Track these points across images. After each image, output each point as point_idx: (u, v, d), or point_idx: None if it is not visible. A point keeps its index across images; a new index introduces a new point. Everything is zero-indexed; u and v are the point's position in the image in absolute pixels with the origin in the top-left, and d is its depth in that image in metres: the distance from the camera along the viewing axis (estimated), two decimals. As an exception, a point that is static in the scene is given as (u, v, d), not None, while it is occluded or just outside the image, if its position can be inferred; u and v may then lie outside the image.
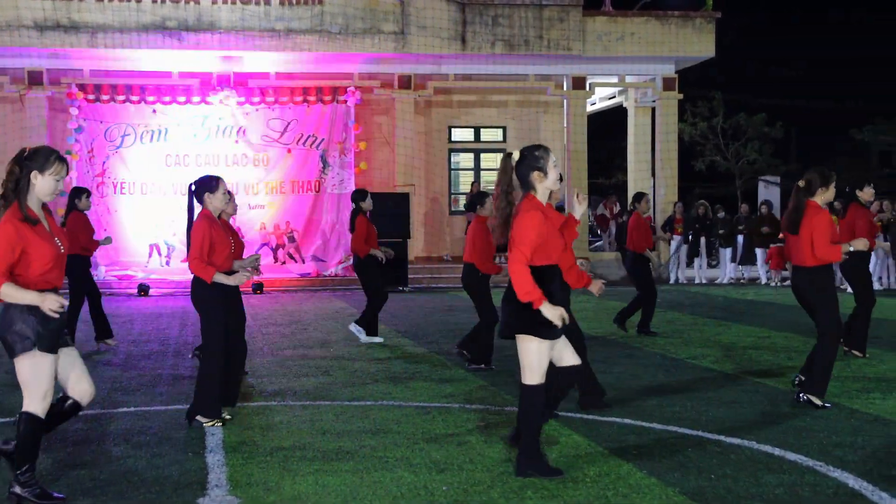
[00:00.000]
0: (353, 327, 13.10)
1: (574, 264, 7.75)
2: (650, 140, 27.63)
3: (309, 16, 23.71)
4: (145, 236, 23.40)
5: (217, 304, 7.95)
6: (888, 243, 11.84)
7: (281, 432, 7.68)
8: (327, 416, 8.26)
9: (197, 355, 10.35)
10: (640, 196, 14.34)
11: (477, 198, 11.23)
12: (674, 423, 7.87)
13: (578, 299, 17.47)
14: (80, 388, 5.97)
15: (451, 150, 27.22)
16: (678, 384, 9.74)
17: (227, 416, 8.05)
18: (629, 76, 26.81)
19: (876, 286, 14.61)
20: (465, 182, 27.05)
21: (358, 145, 24.40)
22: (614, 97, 29.20)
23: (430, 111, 26.64)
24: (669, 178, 26.44)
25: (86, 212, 12.68)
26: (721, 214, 25.10)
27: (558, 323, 6.08)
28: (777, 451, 6.92)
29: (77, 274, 12.36)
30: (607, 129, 37.67)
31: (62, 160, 5.87)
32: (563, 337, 6.39)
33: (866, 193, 11.14)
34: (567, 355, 6.43)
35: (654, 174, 27.32)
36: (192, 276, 8.05)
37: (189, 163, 23.68)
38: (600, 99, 29.50)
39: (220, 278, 7.87)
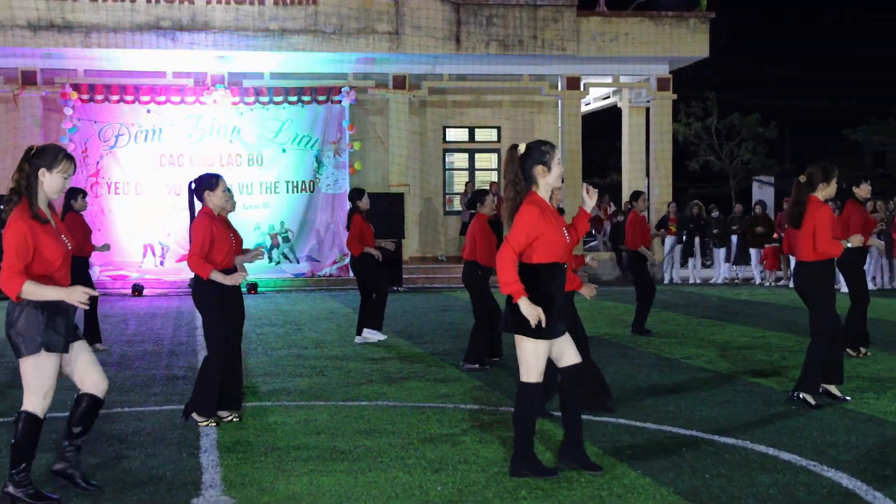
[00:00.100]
0: (366, 333, 13.03)
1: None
2: (644, 140, 27.67)
3: (303, 16, 23.70)
4: (139, 236, 23.37)
5: (216, 302, 7.94)
6: (882, 242, 11.84)
7: (275, 432, 7.67)
8: (322, 417, 8.25)
9: None
10: (637, 195, 14.37)
11: (477, 196, 11.25)
12: (668, 423, 7.88)
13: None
14: (91, 380, 5.95)
15: (445, 150, 27.24)
16: (672, 384, 9.75)
17: (236, 419, 8.02)
18: (623, 76, 26.83)
19: (870, 286, 14.66)
20: (459, 182, 27.06)
21: (352, 145, 24.39)
22: (609, 97, 29.23)
23: (424, 111, 26.65)
24: (664, 178, 26.47)
25: (82, 212, 12.65)
26: (715, 214, 25.13)
27: (533, 322, 6.04)
28: (771, 451, 6.93)
29: (76, 275, 12.32)
30: (602, 130, 37.72)
31: (70, 158, 5.87)
32: (565, 336, 6.35)
33: (863, 190, 11.13)
34: (568, 355, 6.36)
35: (648, 174, 27.35)
36: (190, 276, 8.05)
37: (183, 163, 23.65)
38: (595, 99, 29.53)
39: (218, 277, 7.86)
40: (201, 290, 7.97)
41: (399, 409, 8.57)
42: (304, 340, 13.45)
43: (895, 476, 6.28)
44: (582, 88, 26.41)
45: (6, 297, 5.66)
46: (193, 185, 8.23)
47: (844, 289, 10.26)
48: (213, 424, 7.83)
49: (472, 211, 11.35)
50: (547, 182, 6.29)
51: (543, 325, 6.06)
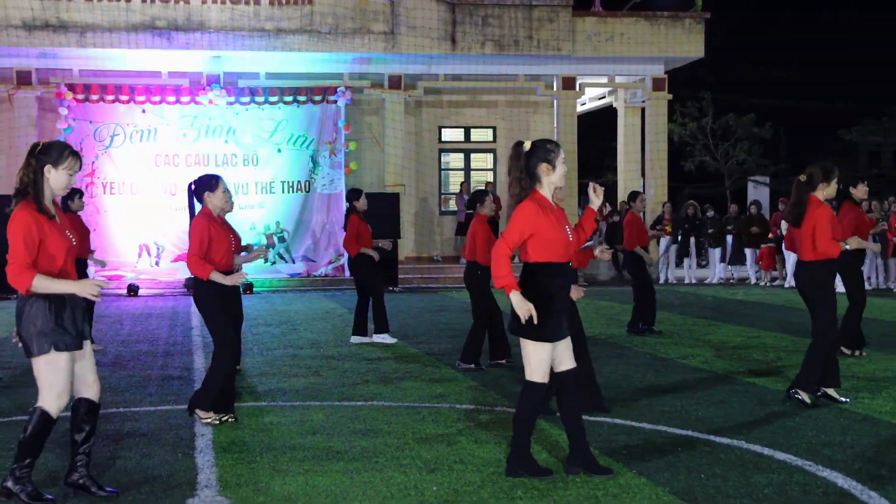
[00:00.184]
0: (377, 338, 13.04)
1: None
2: (640, 140, 27.70)
3: (298, 16, 23.70)
4: (135, 236, 23.34)
5: (217, 302, 7.93)
6: (878, 245, 11.85)
7: (271, 433, 7.67)
8: (317, 417, 8.25)
9: None
10: (634, 195, 14.38)
11: (477, 196, 11.25)
12: (663, 423, 7.88)
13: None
14: (87, 384, 5.96)
15: (441, 151, 27.24)
16: (668, 384, 9.75)
17: (232, 419, 8.01)
18: (619, 76, 26.86)
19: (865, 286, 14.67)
20: (455, 182, 27.06)
21: (348, 145, 24.39)
22: (604, 97, 29.25)
23: (420, 111, 26.64)
24: (659, 178, 26.49)
25: (79, 212, 12.64)
26: (710, 214, 25.15)
27: (523, 318, 6.02)
28: (766, 451, 6.93)
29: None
30: (597, 130, 37.74)
31: (75, 154, 5.87)
32: (565, 340, 6.32)
33: (860, 191, 11.12)
34: (566, 360, 6.33)
35: (643, 174, 27.38)
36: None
37: (179, 163, 23.65)
38: (590, 99, 29.55)
39: (217, 277, 7.85)
40: (201, 290, 7.97)
41: (395, 410, 8.57)
42: (299, 340, 13.45)
43: (890, 476, 6.29)
44: (577, 88, 26.43)
45: (6, 293, 5.66)
46: (193, 187, 8.23)
47: (841, 288, 10.26)
48: (216, 422, 7.82)
49: (471, 211, 11.35)
50: (550, 180, 6.28)
51: (535, 321, 6.04)
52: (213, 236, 7.91)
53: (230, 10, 23.45)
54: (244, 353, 11.91)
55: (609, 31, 25.30)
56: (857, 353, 11.32)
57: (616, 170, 29.31)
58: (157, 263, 23.30)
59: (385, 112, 25.43)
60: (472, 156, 27.48)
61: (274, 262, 23.82)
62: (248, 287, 21.41)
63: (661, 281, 23.99)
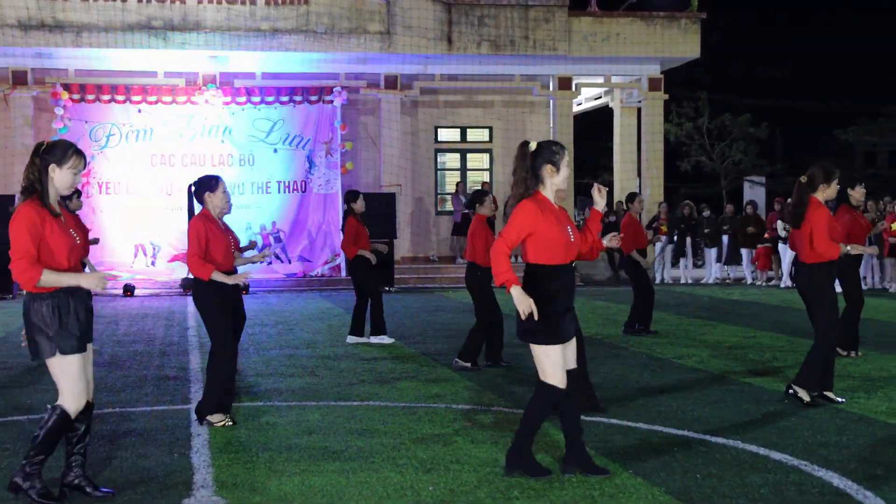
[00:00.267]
0: (374, 339, 13.04)
1: None
2: (636, 140, 27.71)
3: (294, 15, 23.69)
4: (130, 237, 23.33)
5: (217, 304, 7.92)
6: (876, 247, 11.91)
7: (267, 433, 7.66)
8: (313, 417, 8.25)
9: None
10: (632, 196, 14.36)
11: (476, 196, 11.24)
12: (659, 423, 7.89)
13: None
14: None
15: (437, 151, 27.23)
16: (664, 384, 9.76)
17: (228, 423, 7.99)
18: (615, 76, 26.87)
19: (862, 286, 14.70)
20: (451, 182, 27.05)
21: (344, 145, 24.39)
22: (600, 97, 29.26)
23: (416, 111, 26.64)
24: (655, 178, 26.52)
25: (76, 212, 12.62)
26: (706, 214, 25.17)
27: (523, 313, 6.01)
28: (762, 451, 6.94)
29: None
30: (593, 130, 37.76)
31: (80, 153, 5.86)
32: (572, 340, 6.30)
33: (857, 193, 11.10)
34: (568, 360, 6.31)
35: (639, 174, 27.39)
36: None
37: (175, 163, 23.64)
38: (586, 99, 29.56)
39: (219, 277, 7.84)
40: (201, 291, 7.95)
41: (391, 410, 8.57)
42: (295, 341, 13.44)
43: (886, 475, 6.30)
44: (573, 89, 26.45)
45: (2, 293, 5.66)
46: (193, 188, 8.21)
47: (839, 288, 10.28)
48: (230, 423, 7.81)
49: (471, 210, 11.34)
50: (554, 182, 6.28)
51: (535, 317, 6.03)
52: (210, 237, 7.90)
53: (226, 10, 23.43)
54: (240, 353, 11.88)
55: (605, 31, 25.31)
56: (852, 353, 11.33)
57: (612, 170, 29.31)
58: (153, 263, 23.28)
59: (381, 112, 25.43)
60: (469, 156, 27.47)
61: (270, 263, 23.79)
62: (245, 287, 21.38)
63: (658, 281, 24.00)
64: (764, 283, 23.50)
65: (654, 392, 9.29)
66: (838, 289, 9.84)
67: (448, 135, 27.36)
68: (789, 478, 6.27)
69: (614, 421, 7.97)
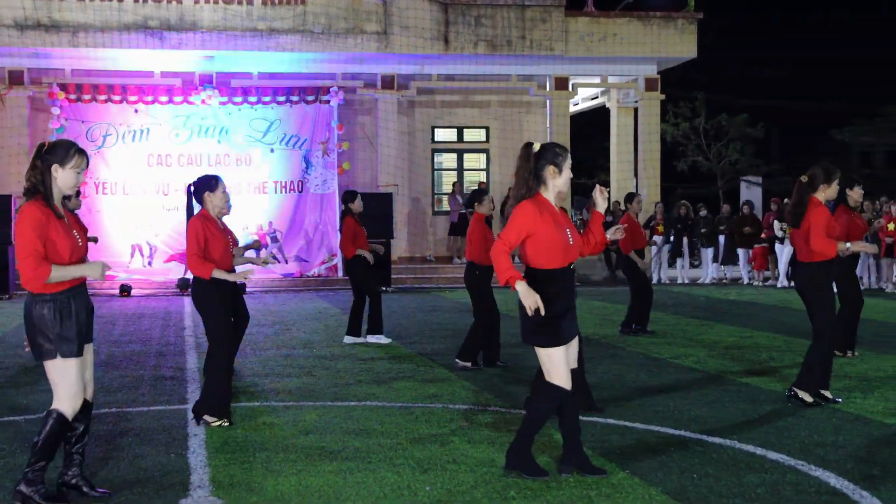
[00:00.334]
0: (371, 339, 13.03)
1: None
2: (633, 140, 27.72)
3: (291, 15, 23.68)
4: (127, 237, 23.31)
5: (216, 303, 7.90)
6: (875, 246, 11.94)
7: (264, 433, 7.66)
8: (310, 417, 8.24)
9: None
10: (631, 196, 14.36)
11: (475, 195, 11.24)
12: (656, 423, 7.89)
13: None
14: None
15: (434, 151, 27.23)
16: (661, 384, 9.76)
17: (225, 424, 7.98)
18: (611, 77, 26.88)
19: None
20: (447, 182, 27.06)
21: (341, 145, 24.38)
22: (597, 97, 29.28)
23: (412, 111, 26.64)
24: (652, 178, 26.53)
25: (75, 211, 12.60)
26: (703, 213, 25.18)
27: (531, 308, 6.01)
28: (759, 451, 6.95)
29: None
30: (590, 130, 37.75)
31: (82, 152, 5.85)
32: (574, 340, 6.30)
33: (856, 194, 11.10)
34: (570, 360, 6.31)
35: (636, 174, 27.39)
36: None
37: (171, 163, 23.64)
38: (583, 99, 29.57)
39: (220, 274, 7.84)
40: (200, 290, 7.94)
41: (388, 410, 8.57)
42: (292, 341, 13.44)
43: (882, 475, 6.30)
44: (570, 89, 26.46)
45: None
46: (192, 188, 8.20)
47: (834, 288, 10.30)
48: (226, 424, 7.81)
49: (469, 210, 11.35)
50: (556, 184, 6.28)
51: (542, 311, 6.02)
52: (209, 237, 7.90)
53: (223, 10, 23.42)
54: (237, 353, 11.88)
55: (602, 32, 25.33)
56: (848, 353, 11.34)
57: (609, 170, 29.33)
58: (149, 264, 23.27)
59: (378, 112, 25.43)
60: (465, 156, 27.47)
61: (266, 263, 23.74)
62: (241, 287, 21.35)
63: (654, 281, 24.00)
64: (760, 283, 23.51)
65: (651, 392, 9.30)
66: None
67: (445, 135, 27.36)
68: (786, 478, 6.27)
69: (611, 421, 7.97)
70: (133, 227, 23.29)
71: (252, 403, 8.92)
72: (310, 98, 24.12)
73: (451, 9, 24.44)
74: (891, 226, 21.11)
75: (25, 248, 5.59)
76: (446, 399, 9.03)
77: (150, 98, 23.51)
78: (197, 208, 8.17)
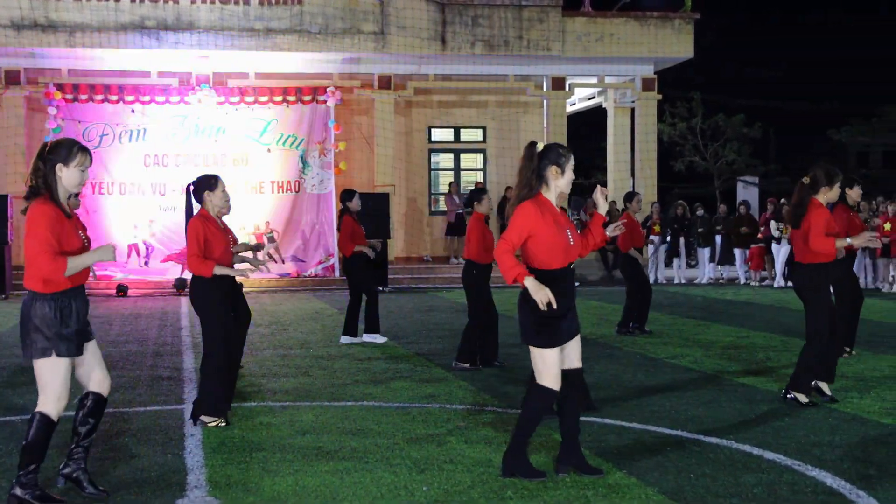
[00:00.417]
0: (367, 338, 13.03)
1: None
2: (629, 140, 27.73)
3: (288, 15, 23.67)
4: (124, 237, 23.28)
5: (215, 304, 7.90)
6: (880, 241, 11.97)
7: (260, 433, 7.66)
8: (307, 417, 8.24)
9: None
10: (631, 196, 14.37)
11: (474, 195, 11.25)
12: (653, 423, 7.90)
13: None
14: (95, 378, 5.98)
15: (430, 151, 27.23)
16: (657, 384, 9.77)
17: (222, 423, 7.96)
18: (608, 77, 26.89)
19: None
20: (444, 182, 27.05)
21: (337, 145, 24.37)
22: (594, 98, 29.28)
23: (409, 111, 26.63)
24: (649, 178, 26.53)
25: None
26: (700, 213, 25.19)
27: (542, 303, 5.99)
28: (756, 451, 6.95)
29: None
30: (587, 130, 37.75)
31: (85, 150, 5.84)
32: (576, 339, 6.29)
33: (854, 193, 11.11)
34: (572, 358, 6.30)
35: (633, 174, 27.40)
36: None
37: (168, 163, 23.62)
38: (580, 99, 29.57)
39: (222, 270, 7.83)
40: (200, 290, 7.93)
41: (384, 410, 8.56)
42: (289, 341, 13.43)
43: (878, 475, 6.31)
44: (567, 89, 26.46)
45: None
46: (192, 187, 8.19)
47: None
48: (223, 424, 7.80)
49: (468, 209, 11.35)
50: (557, 184, 6.28)
51: (553, 305, 6.01)
52: (209, 236, 7.89)
53: (219, 10, 23.40)
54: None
55: (599, 32, 25.33)
56: (845, 352, 11.35)
57: (606, 170, 29.33)
58: (146, 264, 23.24)
59: (375, 112, 25.41)
60: (462, 156, 27.47)
61: (260, 264, 23.70)
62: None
63: (651, 281, 23.97)
64: (757, 283, 23.53)
65: (647, 392, 9.30)
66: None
67: (442, 135, 27.36)
68: (783, 477, 6.28)
69: (608, 421, 7.97)
70: (130, 227, 23.26)
71: (249, 403, 8.91)
72: (307, 98, 24.10)
73: (448, 9, 24.44)
74: (887, 226, 21.13)
75: (40, 244, 5.56)
76: (443, 399, 9.03)
77: (146, 98, 23.49)
78: (196, 208, 8.16)
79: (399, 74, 25.35)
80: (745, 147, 44.44)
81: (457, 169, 27.33)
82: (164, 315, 17.15)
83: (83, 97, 23.20)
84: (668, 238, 24.42)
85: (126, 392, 9.54)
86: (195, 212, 8.13)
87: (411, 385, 9.82)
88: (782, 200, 22.72)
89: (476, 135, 27.47)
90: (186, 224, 8.09)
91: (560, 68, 25.84)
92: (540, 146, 6.30)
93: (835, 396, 8.80)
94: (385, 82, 25.25)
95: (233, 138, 23.90)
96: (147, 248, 23.31)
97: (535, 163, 6.24)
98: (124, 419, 8.24)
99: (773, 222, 22.30)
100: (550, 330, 6.10)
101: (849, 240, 8.74)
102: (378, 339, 13.01)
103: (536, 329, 6.10)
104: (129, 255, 23.23)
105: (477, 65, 25.32)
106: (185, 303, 18.77)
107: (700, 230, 24.40)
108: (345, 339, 13.04)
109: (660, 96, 27.02)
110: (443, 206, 26.53)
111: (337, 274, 23.22)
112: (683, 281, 24.19)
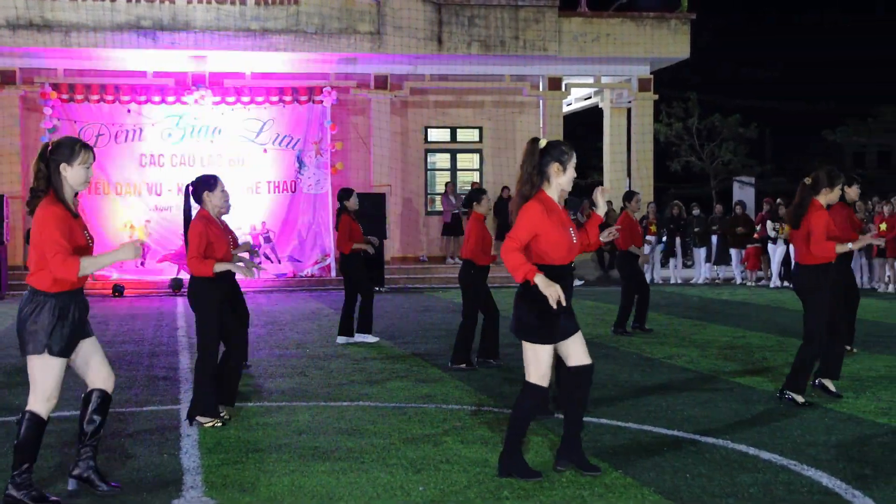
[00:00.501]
0: (359, 338, 13.04)
1: None
2: (626, 141, 27.74)
3: (284, 16, 23.66)
4: (120, 237, 23.23)
5: (214, 304, 7.89)
6: (881, 238, 11.99)
7: (257, 433, 7.65)
8: (303, 417, 8.24)
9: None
10: (630, 195, 14.39)
11: (474, 195, 11.25)
12: (649, 423, 7.90)
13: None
14: (100, 376, 5.97)
15: (427, 151, 27.20)
16: (654, 384, 9.77)
17: (226, 417, 7.97)
18: (605, 77, 26.90)
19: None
20: (441, 182, 27.04)
21: (334, 145, 24.37)
22: (590, 98, 29.29)
23: (406, 111, 26.62)
24: (645, 178, 26.56)
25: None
26: (696, 213, 25.21)
27: (553, 300, 5.96)
28: (751, 451, 6.96)
29: None
30: (583, 130, 37.77)
31: (87, 147, 5.81)
32: (577, 335, 6.27)
33: (853, 192, 11.13)
34: (576, 355, 6.26)
35: (629, 175, 27.41)
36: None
37: (164, 163, 23.60)
38: (576, 99, 29.58)
39: (223, 266, 7.82)
40: (199, 290, 7.92)
41: (381, 410, 8.56)
42: (285, 341, 13.43)
43: (874, 475, 6.32)
44: (563, 89, 26.47)
45: None
46: (192, 188, 8.18)
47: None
48: (219, 424, 7.80)
49: (466, 209, 11.35)
50: (559, 182, 6.28)
51: (563, 302, 6.01)
52: (212, 238, 7.88)
53: (216, 10, 23.39)
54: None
55: (595, 32, 25.34)
56: (846, 349, 11.37)
57: (602, 170, 29.35)
58: (142, 264, 23.19)
59: (371, 112, 25.40)
60: (459, 156, 27.46)
61: (253, 269, 23.66)
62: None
63: (647, 281, 24.00)
64: (753, 283, 23.55)
65: (644, 392, 9.31)
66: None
67: (438, 135, 27.34)
68: (778, 477, 6.28)
69: (604, 421, 7.98)
70: (125, 227, 23.24)
71: (245, 404, 8.90)
72: (303, 98, 24.10)
73: (445, 9, 24.44)
74: (883, 226, 21.14)
75: (51, 246, 5.53)
76: (440, 399, 9.03)
77: (142, 98, 23.47)
78: (195, 208, 8.15)
79: (395, 74, 25.35)
80: (742, 147, 44.50)
81: (453, 169, 27.33)
82: (160, 315, 17.14)
83: (79, 97, 23.17)
84: (665, 238, 24.43)
85: (122, 392, 9.53)
86: (194, 212, 8.11)
87: (408, 385, 9.82)
88: (778, 200, 22.74)
89: (472, 135, 27.45)
90: (185, 224, 8.07)
91: (556, 68, 25.85)
92: (543, 143, 6.30)
93: (840, 392, 8.86)
94: (381, 82, 25.25)
95: (229, 138, 23.89)
96: (143, 249, 23.26)
97: (537, 159, 6.23)
98: (120, 419, 8.23)
99: (769, 222, 22.32)
100: (549, 326, 6.10)
101: (850, 245, 8.78)
102: (369, 338, 13.02)
103: (535, 324, 6.09)
104: (125, 255, 23.18)
105: (473, 65, 25.33)
106: (181, 303, 18.76)
107: (696, 230, 24.42)
108: (341, 340, 13.04)
109: (656, 96, 27.04)
110: (439, 207, 26.50)
111: (333, 274, 23.22)
112: (680, 281, 24.20)
